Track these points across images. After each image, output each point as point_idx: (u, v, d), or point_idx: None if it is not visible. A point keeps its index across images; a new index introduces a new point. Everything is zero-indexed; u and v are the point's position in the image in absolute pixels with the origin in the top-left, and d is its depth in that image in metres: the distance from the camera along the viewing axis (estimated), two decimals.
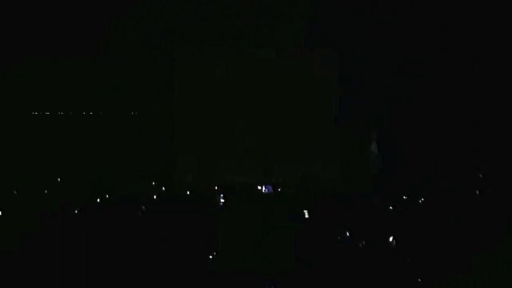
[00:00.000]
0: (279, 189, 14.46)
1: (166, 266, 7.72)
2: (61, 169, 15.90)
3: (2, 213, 10.14)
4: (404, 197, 11.71)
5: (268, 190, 14.41)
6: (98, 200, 11.51)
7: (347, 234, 8.70)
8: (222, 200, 11.59)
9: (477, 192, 12.44)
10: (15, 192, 12.48)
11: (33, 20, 16.86)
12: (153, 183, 14.47)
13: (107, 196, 11.91)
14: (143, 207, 10.78)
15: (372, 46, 17.25)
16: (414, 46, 17.16)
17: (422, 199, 11.46)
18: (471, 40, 16.95)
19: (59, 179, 14.81)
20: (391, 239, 8.46)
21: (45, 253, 8.19)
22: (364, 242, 8.18)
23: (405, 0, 16.96)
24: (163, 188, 13.58)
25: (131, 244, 8.47)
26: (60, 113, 17.35)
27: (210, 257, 7.82)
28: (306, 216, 10.10)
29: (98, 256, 8.06)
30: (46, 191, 12.56)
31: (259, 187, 14.28)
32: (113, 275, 7.61)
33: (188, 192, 12.68)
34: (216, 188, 13.24)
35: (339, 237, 8.61)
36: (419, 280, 7.23)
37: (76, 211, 10.41)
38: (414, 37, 17.14)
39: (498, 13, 16.64)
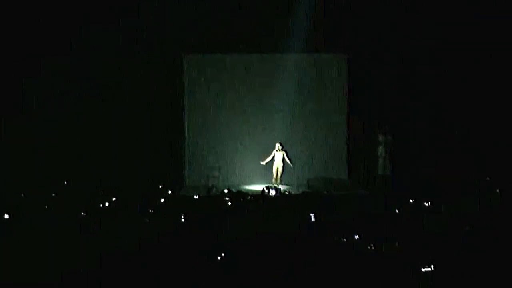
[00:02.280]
0: (286, 192, 14.45)
1: (173, 268, 7.72)
2: (68, 172, 15.94)
3: (10, 216, 10.16)
4: (411, 201, 11.69)
5: (275, 193, 14.38)
6: (106, 202, 11.52)
7: (356, 237, 8.69)
8: (229, 203, 11.58)
9: (484, 194, 12.42)
10: (22, 195, 12.52)
11: (41, 24, 16.95)
12: (160, 186, 14.47)
13: (114, 199, 11.91)
14: (150, 210, 10.79)
15: (381, 50, 17.27)
16: (423, 49, 17.18)
17: (429, 202, 11.45)
18: (476, 42, 16.95)
19: (65, 182, 14.84)
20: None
21: (53, 255, 8.20)
22: (372, 245, 8.17)
23: (411, 3, 16.98)
24: (169, 192, 13.57)
25: (138, 247, 8.47)
26: (68, 117, 17.40)
27: (218, 258, 7.82)
28: (313, 219, 10.08)
29: (104, 258, 8.07)
30: (53, 194, 12.58)
31: (266, 191, 14.28)
32: (120, 277, 7.61)
33: (196, 196, 12.68)
34: (224, 191, 13.23)
35: (345, 240, 8.60)
36: (425, 281, 7.22)
37: (83, 214, 10.43)
38: (422, 41, 17.16)
39: (503, 15, 16.64)
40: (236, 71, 18.41)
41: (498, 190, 12.68)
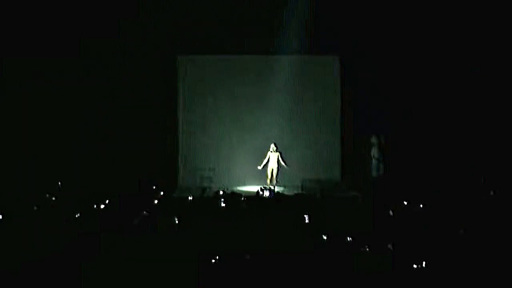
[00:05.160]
0: (280, 194, 14.46)
1: (166, 270, 7.72)
2: (61, 173, 15.91)
3: (2, 216, 10.15)
4: (405, 202, 11.70)
5: (269, 194, 14.39)
6: (99, 204, 11.50)
7: (348, 239, 8.70)
8: (222, 205, 11.58)
9: (479, 196, 12.46)
10: (15, 196, 12.49)
11: (38, 25, 16.92)
12: (153, 187, 14.45)
13: (108, 201, 11.89)
14: (144, 212, 10.78)
15: (374, 51, 17.28)
16: (416, 51, 17.20)
17: (422, 205, 11.47)
18: (471, 45, 16.99)
19: (59, 183, 14.81)
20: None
21: (46, 256, 8.19)
22: (365, 247, 8.18)
23: (406, 5, 16.99)
24: (162, 193, 13.55)
25: (132, 249, 8.47)
26: (62, 118, 17.36)
27: (213, 261, 7.82)
28: (307, 220, 10.09)
29: (98, 260, 8.07)
30: (47, 195, 12.57)
31: (260, 192, 14.28)
32: (113, 279, 7.61)
33: (189, 198, 12.67)
34: (219, 192, 13.22)
35: (340, 242, 8.61)
36: (419, 283, 7.24)
37: (76, 216, 10.41)
38: (416, 42, 17.18)
39: (498, 20, 16.67)
40: (229, 72, 18.40)
41: (492, 192, 12.72)
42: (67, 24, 17.12)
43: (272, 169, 16.98)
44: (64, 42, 17.21)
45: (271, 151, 16.95)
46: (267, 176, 17.07)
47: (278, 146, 17.11)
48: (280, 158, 17.03)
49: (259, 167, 17.03)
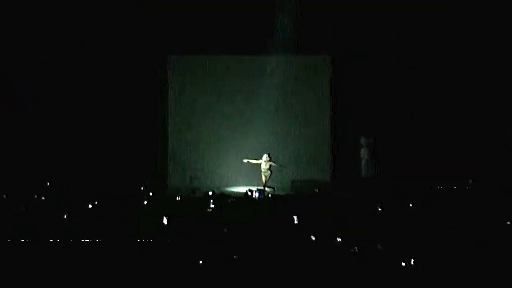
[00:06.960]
0: (270, 195, 14.45)
1: (156, 271, 7.71)
2: (50, 173, 15.84)
3: None
4: (394, 203, 11.74)
5: (259, 195, 14.37)
6: (88, 204, 11.48)
7: (338, 239, 8.72)
8: (212, 206, 11.56)
9: (467, 197, 12.52)
10: (4, 196, 12.46)
11: (33, 24, 16.87)
12: (142, 188, 14.42)
13: (96, 202, 11.86)
14: (132, 213, 10.77)
15: (365, 52, 17.28)
16: (408, 52, 17.24)
17: (411, 204, 11.52)
18: (465, 47, 17.03)
19: (48, 184, 14.76)
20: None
21: (35, 256, 8.18)
22: (355, 247, 8.20)
23: (396, 5, 17.01)
24: (150, 194, 13.53)
25: (121, 250, 8.46)
26: (50, 118, 17.29)
27: (200, 262, 7.82)
28: (296, 222, 10.11)
29: (87, 261, 8.05)
30: (36, 196, 12.53)
31: (249, 193, 14.26)
32: (103, 280, 7.60)
33: (178, 198, 12.66)
34: (209, 193, 13.22)
35: (330, 243, 8.63)
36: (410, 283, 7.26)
37: (65, 216, 10.38)
38: (409, 42, 17.21)
39: (495, 22, 16.74)
40: (219, 72, 18.37)
41: (481, 191, 12.78)
42: (59, 23, 17.06)
43: (265, 176, 16.58)
44: (57, 42, 17.15)
45: (264, 161, 16.52)
46: (262, 181, 16.66)
47: (271, 156, 16.67)
48: (273, 165, 16.61)
49: (244, 161, 16.64)
